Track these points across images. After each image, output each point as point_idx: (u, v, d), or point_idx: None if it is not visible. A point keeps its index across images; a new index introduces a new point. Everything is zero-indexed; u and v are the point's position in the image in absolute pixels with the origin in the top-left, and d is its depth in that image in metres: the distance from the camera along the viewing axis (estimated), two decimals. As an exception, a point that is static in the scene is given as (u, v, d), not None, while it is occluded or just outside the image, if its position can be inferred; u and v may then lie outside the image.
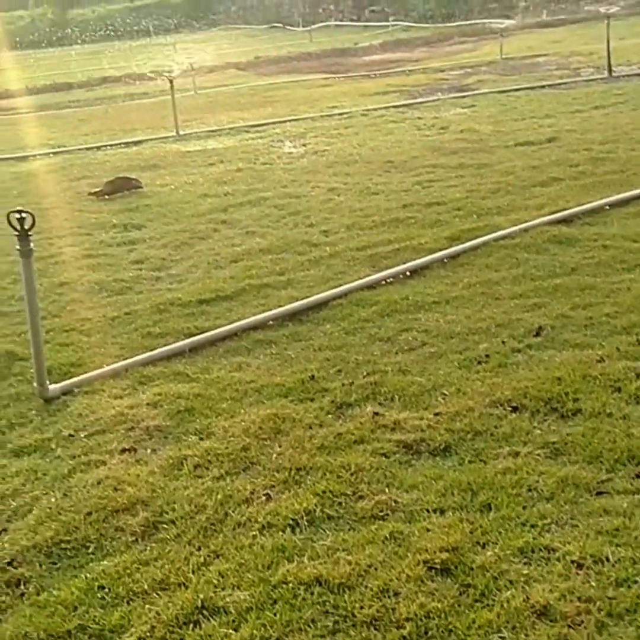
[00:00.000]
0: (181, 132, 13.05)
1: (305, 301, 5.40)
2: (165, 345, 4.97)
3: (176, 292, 5.94)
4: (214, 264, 6.56)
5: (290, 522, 3.08)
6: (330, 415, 3.90)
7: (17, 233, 4.09)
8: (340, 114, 13.44)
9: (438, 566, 2.75)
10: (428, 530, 2.96)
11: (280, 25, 42.09)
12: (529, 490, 3.14)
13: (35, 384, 4.39)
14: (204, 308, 5.58)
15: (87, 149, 12.84)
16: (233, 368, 4.58)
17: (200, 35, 41.95)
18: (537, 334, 4.52)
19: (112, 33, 43.94)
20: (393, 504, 3.14)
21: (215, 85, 19.96)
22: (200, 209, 8.38)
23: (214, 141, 12.38)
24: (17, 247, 4.14)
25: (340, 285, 5.63)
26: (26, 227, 4.08)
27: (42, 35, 52.53)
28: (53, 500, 3.37)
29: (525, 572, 2.69)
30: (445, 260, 5.89)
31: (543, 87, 14.15)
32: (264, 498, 3.26)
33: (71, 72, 27.38)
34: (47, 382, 4.38)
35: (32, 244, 4.15)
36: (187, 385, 4.39)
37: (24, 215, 4.05)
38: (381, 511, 3.11)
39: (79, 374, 4.64)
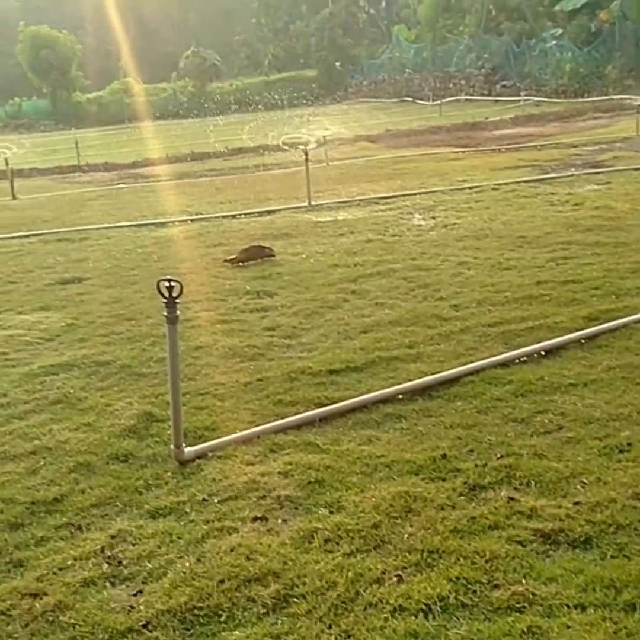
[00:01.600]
0: (313, 203, 13.36)
1: (435, 376, 5.36)
2: (295, 413, 5.02)
3: (307, 360, 6.01)
4: (344, 334, 6.62)
5: (423, 606, 3.02)
6: (463, 497, 3.82)
7: (165, 300, 4.26)
8: (470, 188, 13.49)
9: (580, 668, 2.62)
10: (568, 627, 2.84)
11: (410, 99, 42.98)
12: (678, 592, 2.97)
13: (171, 446, 4.51)
14: (334, 378, 5.61)
15: (223, 217, 13.29)
16: (363, 441, 4.58)
17: (333, 108, 43.21)
18: (683, 424, 4.32)
19: (249, 105, 45.81)
20: (530, 596, 3.03)
21: (346, 157, 20.44)
22: (330, 278, 8.50)
23: (344, 212, 12.60)
24: (165, 313, 4.30)
25: (472, 361, 5.57)
26: (174, 295, 4.25)
27: (182, 106, 55.48)
28: (187, 564, 3.43)
29: (676, 682, 2.53)
30: (582, 340, 5.74)
31: (683, 164, 13.80)
32: (395, 579, 3.21)
33: (209, 142, 28.65)
34: (183, 444, 4.50)
35: (178, 311, 4.31)
36: (317, 456, 4.40)
37: (173, 283, 4.22)
38: (518, 603, 3.00)
39: (213, 438, 4.74)
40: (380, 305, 7.35)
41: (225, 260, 9.74)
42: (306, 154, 13.80)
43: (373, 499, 3.84)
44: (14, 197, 18.03)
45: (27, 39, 60.21)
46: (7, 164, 19.00)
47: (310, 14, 64.83)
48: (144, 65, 60.26)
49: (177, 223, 13.14)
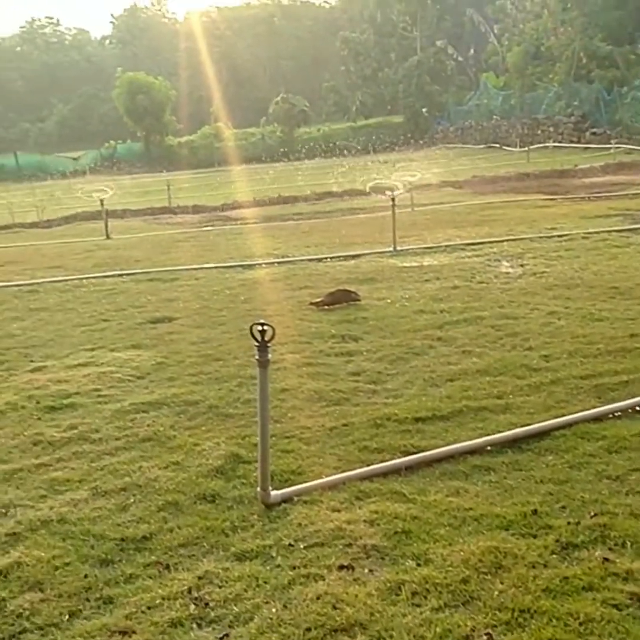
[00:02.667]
0: (398, 248, 13.37)
1: (525, 429, 5.25)
2: (381, 461, 4.99)
3: (392, 407, 5.97)
4: (430, 382, 6.56)
5: (514, 668, 2.93)
6: (555, 556, 3.72)
7: (257, 344, 4.32)
8: (559, 236, 13.30)
9: None
10: (669, 700, 2.71)
11: (497, 145, 42.87)
12: None
13: (258, 489, 4.53)
14: (420, 426, 5.56)
15: (309, 260, 13.39)
16: (450, 492, 4.51)
17: (419, 153, 43.42)
18: None
19: (335, 150, 46.47)
20: (628, 664, 2.91)
21: (431, 203, 20.46)
22: (416, 324, 8.46)
23: (430, 258, 12.57)
24: (257, 357, 4.35)
25: (563, 414, 5.44)
26: (266, 338, 4.30)
27: (270, 150, 56.73)
28: (273, 610, 3.42)
29: None
30: (680, 397, 5.56)
31: None
32: (485, 637, 3.14)
33: (295, 186, 29.13)
34: (270, 487, 4.51)
35: (270, 355, 4.35)
36: (404, 505, 4.35)
37: (265, 328, 4.27)
38: (614, 670, 2.89)
39: (299, 482, 4.74)
40: (468, 353, 7.27)
41: (311, 303, 9.80)
42: (393, 199, 13.85)
43: (462, 553, 3.77)
44: (108, 237, 18.66)
45: (124, 84, 62.72)
46: (102, 205, 19.70)
47: (398, 62, 65.70)
48: (234, 111, 62.04)
49: (263, 265, 13.30)
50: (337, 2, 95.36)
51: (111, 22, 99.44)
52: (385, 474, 4.81)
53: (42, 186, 38.92)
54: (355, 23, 74.60)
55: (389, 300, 9.71)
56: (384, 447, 5.24)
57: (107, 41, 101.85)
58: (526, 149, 35.13)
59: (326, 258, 13.39)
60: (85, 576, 3.85)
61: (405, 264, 12.14)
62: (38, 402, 6.50)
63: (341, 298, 9.80)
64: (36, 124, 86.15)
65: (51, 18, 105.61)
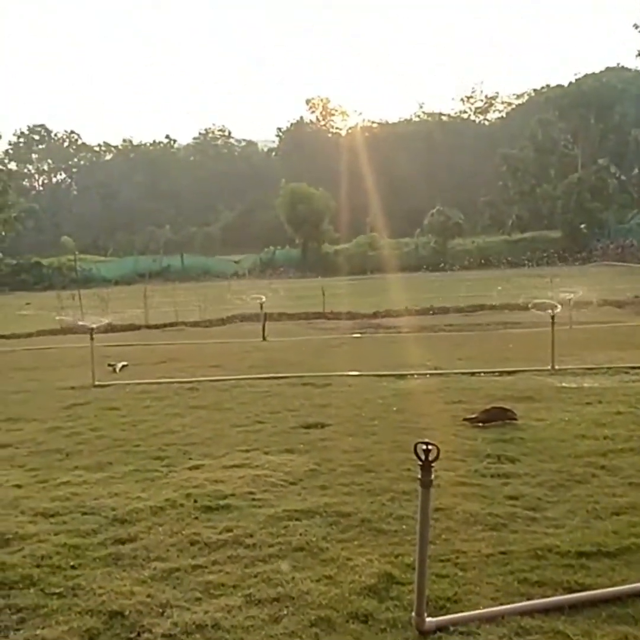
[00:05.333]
0: (557, 366, 13.01)
1: (702, 575, 4.86)
2: (542, 596, 4.72)
3: (553, 537, 5.68)
4: (594, 513, 6.21)
5: None
6: None
7: (420, 463, 4.27)
8: None
9: None
10: None
11: (660, 265, 41.54)
12: None
13: (413, 614, 4.38)
14: (584, 562, 5.24)
15: (462, 373, 13.25)
16: (618, 638, 4.20)
17: (576, 269, 42.65)
18: None
19: (490, 263, 46.43)
20: None
21: (591, 321, 19.92)
22: (577, 449, 8.09)
23: (590, 379, 12.13)
24: (419, 476, 4.30)
25: None
26: (430, 458, 4.25)
27: (423, 260, 57.46)
28: None
29: None
30: None
31: None
32: None
33: (448, 297, 29.17)
34: (425, 613, 4.36)
35: (433, 476, 4.29)
36: (568, 648, 4.09)
37: (430, 447, 4.23)
38: None
39: (454, 610, 4.56)
40: (634, 485, 6.85)
41: (465, 419, 9.60)
42: (553, 317, 13.59)
43: None
44: (264, 339, 19.25)
45: (287, 194, 66.00)
46: (261, 308, 20.43)
47: (558, 178, 65.74)
48: (389, 220, 63.59)
49: (416, 376, 13.23)
50: (497, 120, 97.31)
51: (277, 135, 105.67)
52: (546, 610, 4.55)
53: (205, 287, 40.89)
54: (515, 139, 75.62)
55: (547, 422, 9.38)
56: (545, 580, 4.97)
57: (273, 153, 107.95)
58: (692, 270, 33.89)
59: (480, 372, 13.19)
60: (238, 688, 3.81)
61: (564, 384, 11.76)
62: (196, 501, 6.64)
63: (497, 416, 9.56)
64: (202, 228, 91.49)
65: (223, 130, 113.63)
